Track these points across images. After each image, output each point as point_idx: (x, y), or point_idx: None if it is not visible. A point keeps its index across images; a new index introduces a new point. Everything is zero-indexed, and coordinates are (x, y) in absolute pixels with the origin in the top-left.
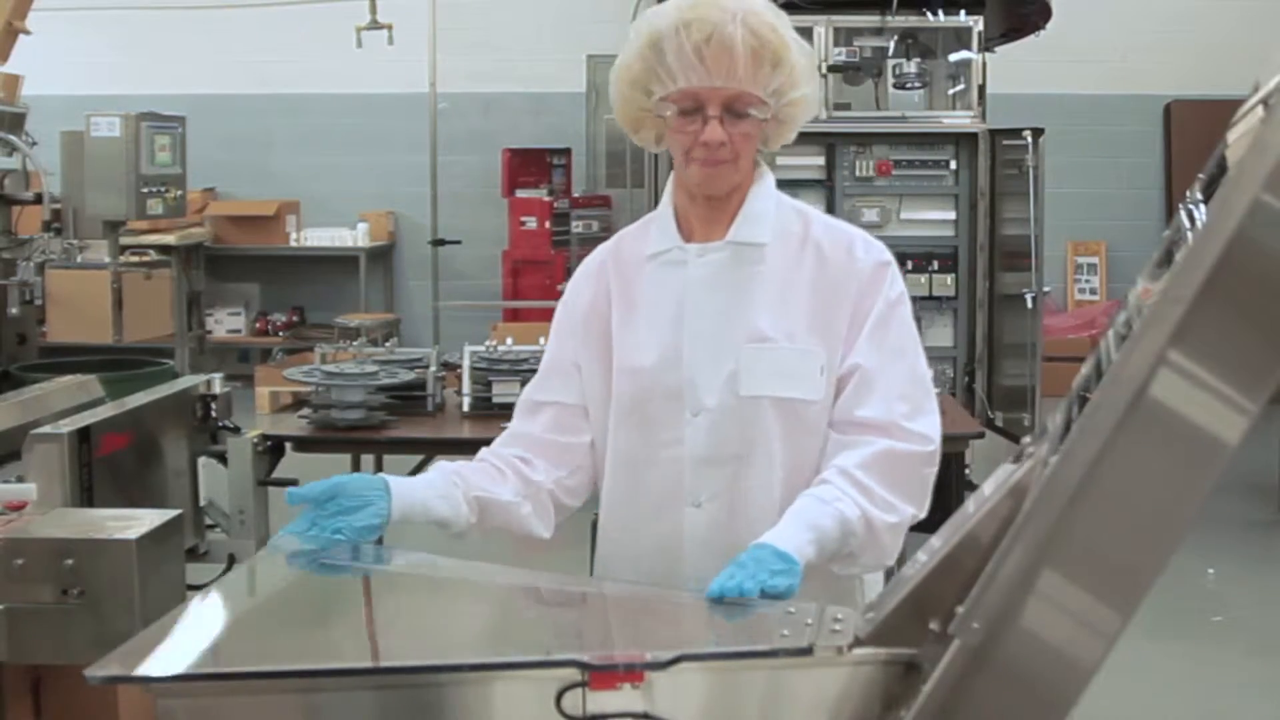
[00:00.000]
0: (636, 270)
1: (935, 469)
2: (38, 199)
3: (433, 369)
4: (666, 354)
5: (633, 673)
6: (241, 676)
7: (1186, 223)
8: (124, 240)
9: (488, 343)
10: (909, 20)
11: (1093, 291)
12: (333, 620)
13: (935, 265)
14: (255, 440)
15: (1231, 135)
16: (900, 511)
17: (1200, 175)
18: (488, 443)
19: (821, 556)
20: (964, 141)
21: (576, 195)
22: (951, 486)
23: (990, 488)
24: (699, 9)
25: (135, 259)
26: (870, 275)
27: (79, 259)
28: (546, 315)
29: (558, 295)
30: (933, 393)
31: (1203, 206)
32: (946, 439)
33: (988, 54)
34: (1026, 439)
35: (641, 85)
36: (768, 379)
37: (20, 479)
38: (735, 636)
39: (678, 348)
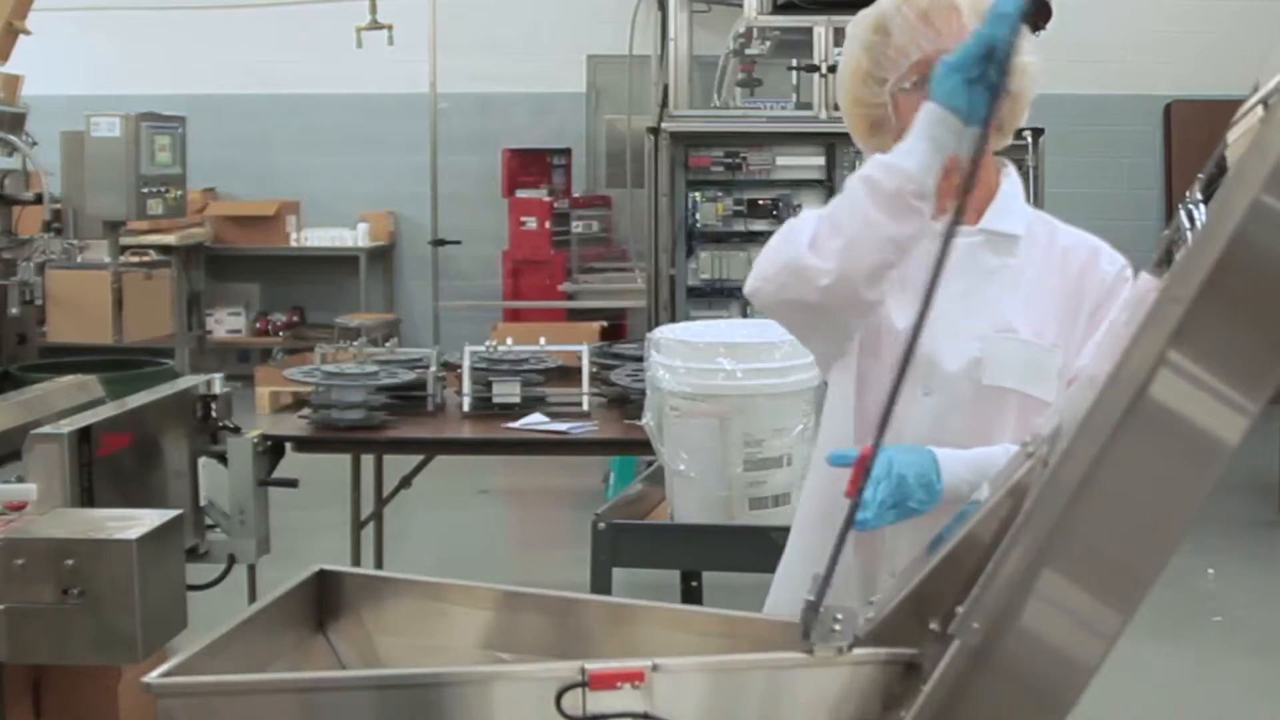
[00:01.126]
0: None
1: None
2: (38, 199)
3: (433, 369)
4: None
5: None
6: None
7: (1186, 223)
8: (124, 240)
9: (488, 343)
10: None
11: None
12: None
13: None
14: (255, 440)
15: (1231, 135)
16: None
17: (1200, 175)
18: (488, 443)
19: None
20: None
21: (576, 195)
22: None
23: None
24: None
25: (135, 259)
26: (1112, 285)
27: (79, 259)
28: (547, 315)
29: (558, 295)
30: None
31: (1203, 206)
32: None
33: None
34: (1026, 439)
35: (874, 77)
36: (1016, 371)
37: (20, 479)
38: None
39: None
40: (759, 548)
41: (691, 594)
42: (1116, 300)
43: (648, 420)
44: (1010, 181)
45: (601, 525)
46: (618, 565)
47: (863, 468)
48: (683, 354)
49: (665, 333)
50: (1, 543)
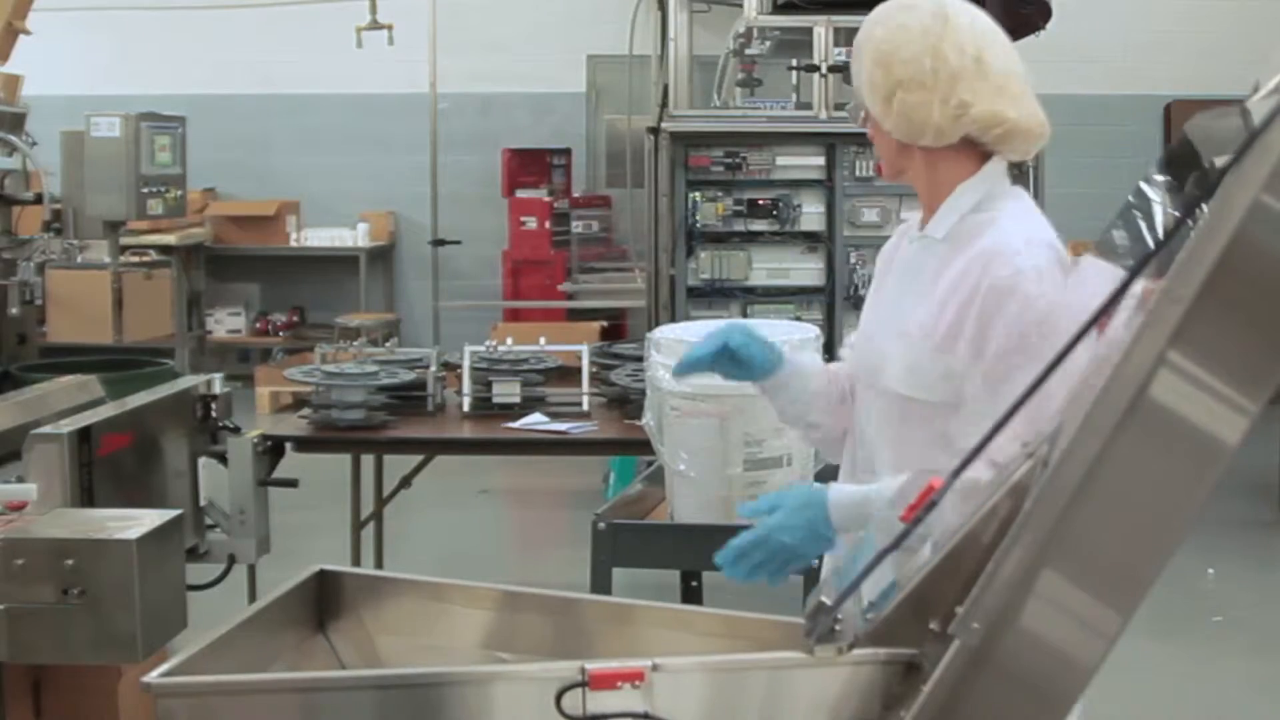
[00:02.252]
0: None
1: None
2: (38, 199)
3: (433, 369)
4: (865, 329)
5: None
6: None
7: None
8: (124, 240)
9: (488, 343)
10: None
11: None
12: None
13: None
14: (255, 440)
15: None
16: None
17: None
18: (488, 443)
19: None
20: None
21: (576, 195)
22: None
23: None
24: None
25: (135, 259)
26: (1001, 290)
27: (79, 259)
28: (547, 315)
29: (558, 295)
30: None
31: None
32: None
33: None
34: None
35: None
36: (898, 374)
37: (20, 479)
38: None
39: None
40: None
41: (692, 594)
42: (1002, 307)
43: (648, 420)
44: (964, 190)
45: (601, 525)
46: (618, 565)
47: (925, 498)
48: (683, 354)
49: (665, 333)
50: (1, 543)
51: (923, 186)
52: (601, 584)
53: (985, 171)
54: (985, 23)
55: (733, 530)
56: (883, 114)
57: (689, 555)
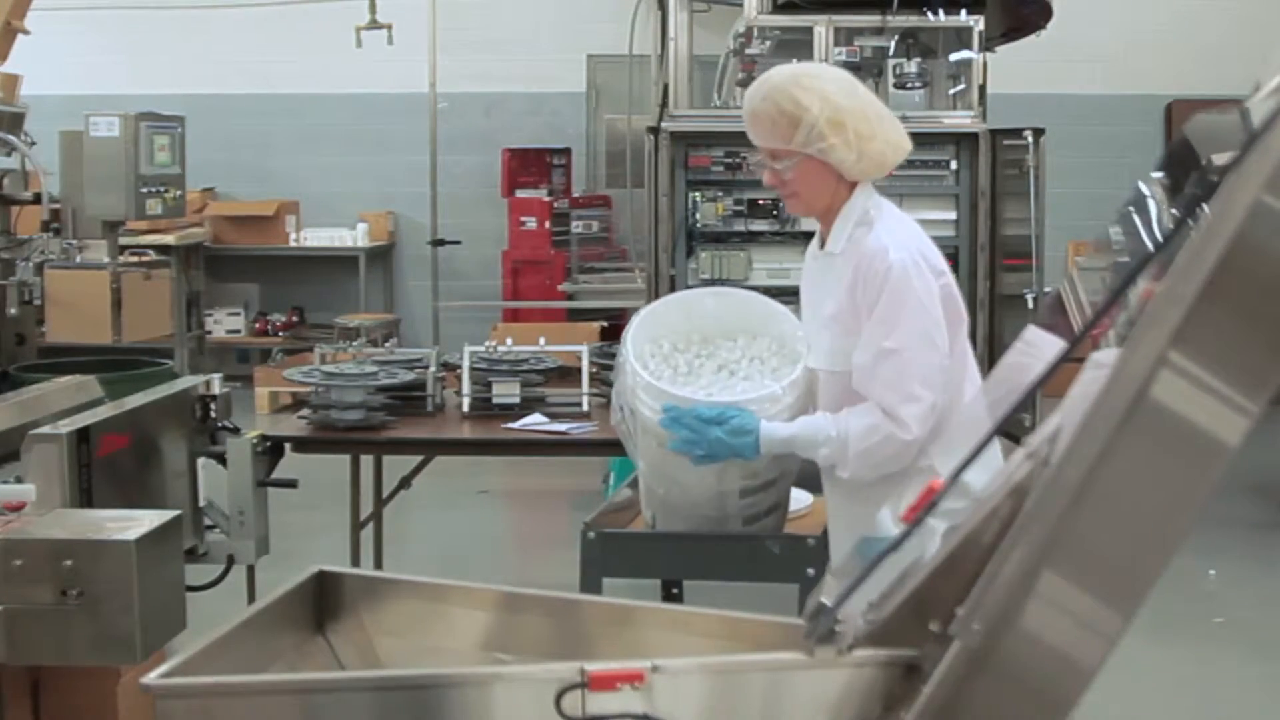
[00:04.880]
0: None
1: (905, 453)
2: (37, 199)
3: (432, 369)
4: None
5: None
6: (239, 687)
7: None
8: (123, 240)
9: (487, 343)
10: (909, 20)
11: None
12: None
13: None
14: (255, 441)
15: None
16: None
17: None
18: (487, 444)
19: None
20: (964, 141)
21: (576, 195)
22: None
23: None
24: (755, 84)
25: (134, 259)
26: (880, 284)
27: (78, 259)
28: (547, 315)
29: (558, 295)
30: (919, 383)
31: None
32: None
33: (988, 54)
34: (1027, 439)
35: None
36: (825, 355)
37: (19, 479)
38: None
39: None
40: (751, 556)
41: (672, 600)
42: (883, 296)
43: (619, 419)
44: (846, 211)
45: (591, 535)
46: (608, 576)
47: (926, 499)
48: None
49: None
50: (0, 544)
51: (826, 212)
52: (592, 592)
53: (864, 192)
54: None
55: (721, 539)
56: (843, 151)
57: (680, 564)
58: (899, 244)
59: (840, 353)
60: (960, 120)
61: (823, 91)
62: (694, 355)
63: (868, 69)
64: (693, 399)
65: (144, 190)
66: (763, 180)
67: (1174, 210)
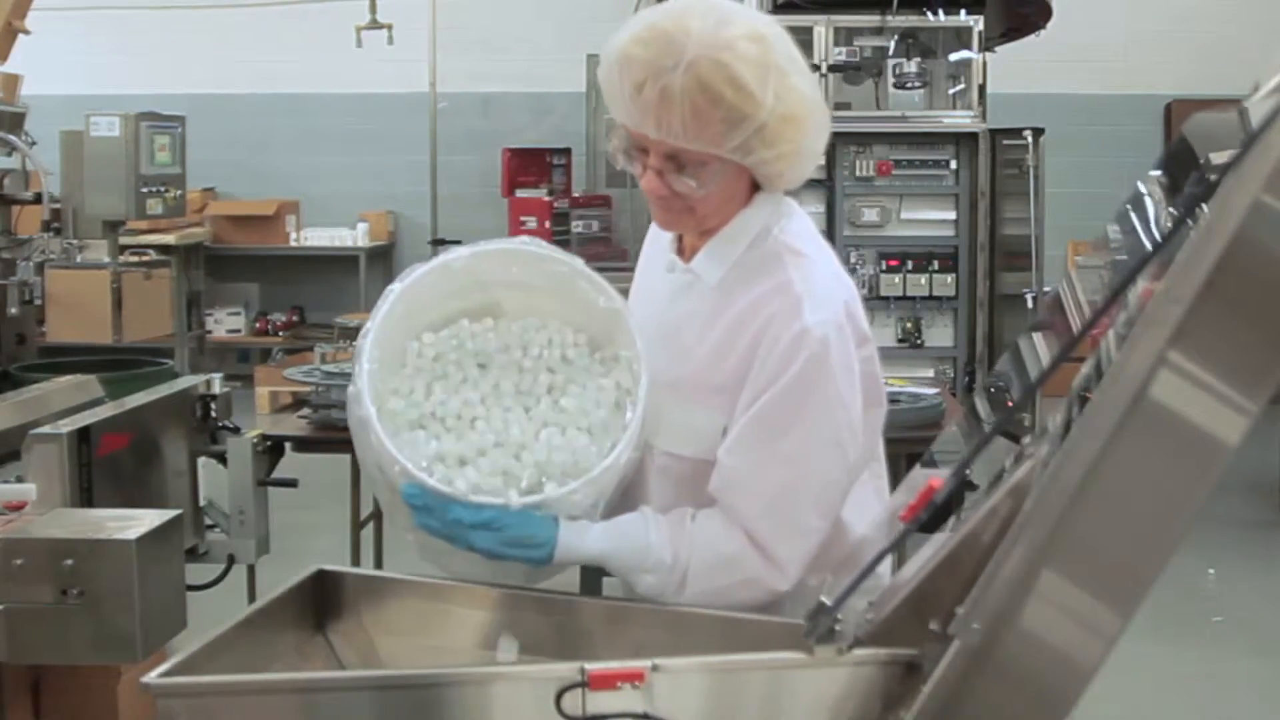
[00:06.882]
0: (651, 262)
1: (767, 601)
2: (37, 199)
3: None
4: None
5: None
6: (240, 686)
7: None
8: (124, 240)
9: None
10: (909, 20)
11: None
12: None
13: (935, 265)
14: (255, 440)
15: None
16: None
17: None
18: None
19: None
20: (964, 141)
21: (576, 195)
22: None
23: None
24: (647, 44)
25: (135, 259)
26: (783, 350)
27: (79, 259)
28: None
29: None
30: (815, 511)
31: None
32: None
33: (988, 54)
34: (1026, 439)
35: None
36: (664, 429)
37: (20, 479)
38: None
39: None
40: None
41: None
42: (786, 375)
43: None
44: (741, 221)
45: None
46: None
47: (926, 498)
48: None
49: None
50: (1, 543)
51: (702, 214)
52: (591, 592)
53: (770, 199)
54: None
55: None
56: (786, 162)
57: None
58: (819, 298)
59: (693, 432)
60: (960, 120)
61: (775, 68)
62: (466, 380)
63: (867, 69)
64: (447, 493)
65: (144, 190)
66: (640, 184)
67: (1173, 210)
